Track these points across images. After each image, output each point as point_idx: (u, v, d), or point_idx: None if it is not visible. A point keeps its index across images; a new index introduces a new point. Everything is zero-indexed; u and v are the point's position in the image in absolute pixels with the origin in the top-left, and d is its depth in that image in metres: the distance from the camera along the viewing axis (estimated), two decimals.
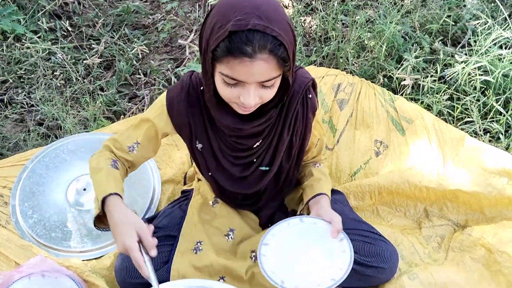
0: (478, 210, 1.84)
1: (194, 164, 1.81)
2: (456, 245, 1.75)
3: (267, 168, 1.56)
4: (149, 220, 1.74)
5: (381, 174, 1.95)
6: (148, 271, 1.26)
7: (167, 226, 1.66)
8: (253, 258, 1.61)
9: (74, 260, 1.67)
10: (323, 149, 1.71)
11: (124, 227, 1.29)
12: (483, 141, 2.08)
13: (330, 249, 1.41)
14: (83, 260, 1.73)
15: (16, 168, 2.00)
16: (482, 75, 2.24)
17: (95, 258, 1.80)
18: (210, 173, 1.59)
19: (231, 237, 1.66)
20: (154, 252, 1.28)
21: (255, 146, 1.50)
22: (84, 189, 1.94)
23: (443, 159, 1.91)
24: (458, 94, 2.26)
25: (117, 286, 1.63)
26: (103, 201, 1.35)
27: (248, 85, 1.24)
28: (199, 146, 1.53)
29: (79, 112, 2.44)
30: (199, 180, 1.80)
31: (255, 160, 1.54)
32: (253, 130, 1.45)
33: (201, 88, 1.45)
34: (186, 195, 1.82)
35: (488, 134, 2.16)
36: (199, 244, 1.61)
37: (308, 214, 1.55)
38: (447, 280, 1.59)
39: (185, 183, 2.01)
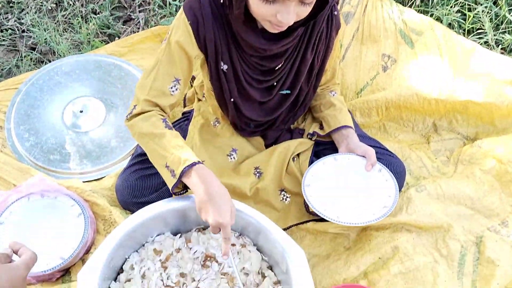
0: (489, 122, 1.77)
1: (196, 86, 1.73)
2: (465, 158, 1.70)
3: (288, 92, 1.49)
4: None
5: (388, 89, 1.87)
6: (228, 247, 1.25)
7: None
8: (257, 174, 1.57)
9: (74, 181, 1.63)
10: (337, 71, 1.65)
11: (225, 200, 1.22)
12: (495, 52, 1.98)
13: (372, 180, 1.43)
14: (83, 182, 1.69)
15: (10, 92, 1.94)
16: None
17: (95, 180, 1.77)
18: (232, 99, 1.50)
19: (233, 157, 1.61)
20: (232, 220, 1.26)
21: (277, 68, 1.42)
22: (81, 111, 1.88)
23: (453, 70, 1.82)
24: (469, 3, 2.13)
25: (119, 206, 1.60)
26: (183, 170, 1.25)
27: (289, 2, 1.14)
28: (225, 67, 1.41)
29: (72, 36, 2.34)
30: (199, 100, 1.73)
31: (275, 83, 1.46)
32: (278, 50, 1.36)
33: (221, 1, 1.32)
34: (187, 116, 1.75)
35: (500, 46, 2.05)
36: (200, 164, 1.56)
37: (320, 137, 1.58)
38: (456, 192, 1.55)
39: (184, 105, 1.94)
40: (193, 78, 1.87)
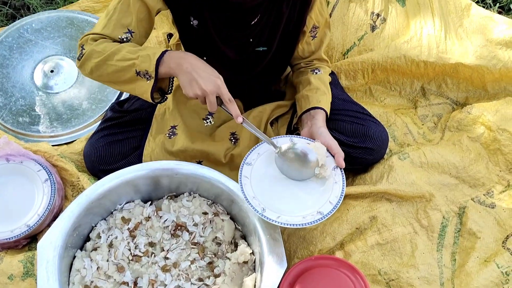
0: (480, 87, 1.69)
1: (171, 44, 1.64)
2: (453, 124, 1.62)
3: (265, 49, 1.40)
4: (120, 103, 1.61)
5: (376, 50, 1.77)
6: (237, 109, 1.22)
7: (139, 109, 1.53)
8: (232, 140, 1.49)
9: (42, 144, 1.57)
10: (324, 45, 1.49)
11: (208, 68, 1.20)
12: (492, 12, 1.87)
13: (321, 177, 1.28)
14: (53, 145, 1.62)
15: None
16: None
17: (66, 143, 1.70)
18: (205, 58, 1.41)
19: (209, 121, 1.54)
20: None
21: (252, 23, 1.33)
22: (52, 71, 1.79)
23: (445, 30, 1.72)
24: None
25: (87, 171, 1.54)
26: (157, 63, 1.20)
27: None
28: (195, 22, 1.33)
29: None
30: None
31: (251, 40, 1.37)
32: (253, 2, 1.27)
33: None
34: None
35: (498, 4, 1.93)
36: (173, 128, 1.49)
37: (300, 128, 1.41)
38: (440, 160, 1.48)
39: None
40: (170, 35, 1.77)
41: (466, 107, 1.62)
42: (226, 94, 1.20)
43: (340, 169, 1.27)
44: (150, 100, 1.25)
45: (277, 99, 1.57)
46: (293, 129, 1.49)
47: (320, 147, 1.28)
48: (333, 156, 1.28)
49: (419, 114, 1.72)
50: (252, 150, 1.31)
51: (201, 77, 1.18)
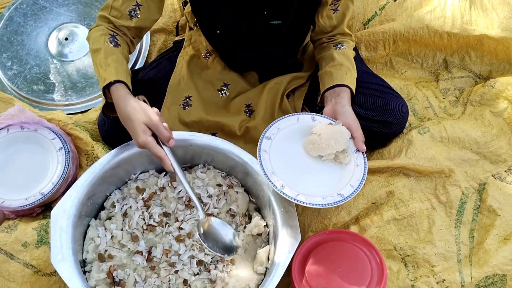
0: (504, 60, 1.63)
1: (186, 12, 1.60)
2: (476, 98, 1.57)
3: (280, 22, 1.35)
4: (135, 73, 1.58)
5: (398, 20, 1.71)
6: (170, 164, 1.17)
7: (153, 79, 1.51)
8: (248, 112, 1.47)
9: (57, 113, 1.56)
10: (347, 18, 1.42)
11: (133, 123, 1.16)
12: None
13: (341, 158, 1.25)
14: (67, 114, 1.62)
15: None
16: None
17: (80, 112, 1.69)
18: (218, 31, 1.39)
19: (224, 92, 1.51)
20: (172, 143, 1.18)
21: None
22: (66, 39, 1.78)
23: (470, 0, 1.65)
24: None
25: (102, 141, 1.53)
26: (107, 89, 1.20)
27: None
28: None
29: None
30: (191, 29, 1.60)
31: (265, 12, 1.32)
32: None
33: None
34: (177, 46, 1.63)
35: None
36: (188, 99, 1.47)
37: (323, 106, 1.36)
38: (461, 135, 1.44)
39: (177, 34, 1.81)
40: (185, 3, 1.73)
41: (490, 81, 1.56)
42: (154, 152, 1.16)
43: (362, 152, 1.24)
44: (104, 112, 1.30)
45: (294, 70, 1.53)
46: (318, 108, 1.44)
47: (342, 131, 1.25)
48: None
49: (440, 87, 1.67)
50: (272, 124, 1.28)
51: (130, 133, 1.19)
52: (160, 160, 1.17)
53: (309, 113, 1.30)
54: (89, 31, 1.32)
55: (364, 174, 1.20)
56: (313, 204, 1.15)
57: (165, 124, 1.19)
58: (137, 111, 1.16)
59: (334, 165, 1.24)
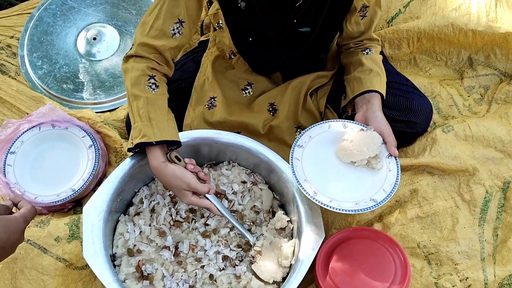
0: None
1: (210, 14, 1.62)
2: (501, 96, 1.56)
3: (308, 29, 1.36)
4: None
5: (422, 18, 1.70)
6: (217, 210, 1.26)
7: (179, 79, 1.54)
8: (271, 111, 1.49)
9: (86, 111, 1.60)
10: (374, 24, 1.42)
11: (174, 189, 1.24)
12: None
13: (374, 164, 1.25)
14: (96, 112, 1.66)
15: (23, 17, 1.89)
16: None
17: (108, 110, 1.73)
18: (250, 39, 1.41)
19: (248, 92, 1.53)
20: (212, 191, 1.25)
21: (297, 4, 1.29)
22: (94, 38, 1.82)
23: None
24: None
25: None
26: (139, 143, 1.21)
27: None
28: (243, 4, 1.30)
29: None
30: (215, 29, 1.62)
31: (295, 20, 1.33)
32: None
33: None
34: (202, 46, 1.66)
35: None
36: (213, 99, 1.50)
37: (352, 111, 1.38)
38: (486, 133, 1.43)
39: (202, 33, 1.83)
40: (211, 2, 1.75)
41: None
42: (201, 206, 1.25)
43: (395, 157, 1.25)
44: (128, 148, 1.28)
45: (317, 69, 1.54)
46: (341, 112, 1.45)
47: (374, 136, 1.25)
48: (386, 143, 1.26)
49: (465, 85, 1.66)
50: (303, 133, 1.30)
51: (175, 192, 1.25)
52: (207, 210, 1.26)
53: (341, 120, 1.32)
54: (126, 58, 1.28)
55: (397, 179, 1.20)
56: (346, 210, 1.17)
57: (201, 174, 1.26)
58: (175, 179, 1.21)
59: (366, 171, 1.25)
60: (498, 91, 1.57)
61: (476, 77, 1.66)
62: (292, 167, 1.24)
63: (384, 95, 1.35)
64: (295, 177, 1.22)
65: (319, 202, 1.18)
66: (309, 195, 1.19)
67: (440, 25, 1.63)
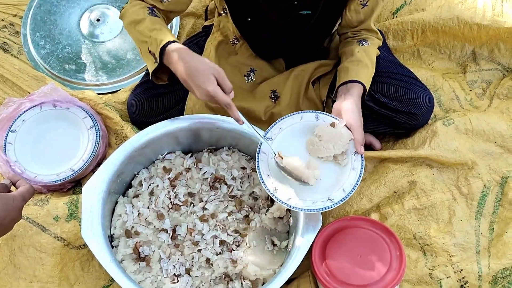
0: None
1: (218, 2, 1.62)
2: (503, 91, 1.56)
3: (309, 12, 1.36)
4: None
5: (427, 10, 1.70)
6: (236, 110, 1.19)
7: None
8: (273, 98, 1.49)
9: (88, 92, 1.60)
10: (374, 15, 1.40)
11: (201, 72, 1.17)
12: None
13: (340, 160, 1.24)
14: (98, 94, 1.66)
15: None
16: None
17: (110, 92, 1.73)
18: (249, 19, 1.40)
19: (251, 78, 1.53)
20: (232, 94, 1.20)
21: None
22: (98, 20, 1.81)
23: None
24: None
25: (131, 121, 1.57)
26: (161, 52, 1.21)
27: None
28: None
29: None
30: (219, 14, 1.62)
31: (296, 2, 1.33)
32: None
33: None
34: (206, 31, 1.66)
35: None
36: None
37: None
38: (486, 128, 1.44)
39: (206, 18, 1.83)
40: None
41: None
42: (222, 100, 1.17)
43: (361, 155, 1.23)
44: (152, 79, 1.29)
45: (320, 58, 1.54)
46: (332, 102, 1.42)
47: (343, 134, 1.23)
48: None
49: (467, 79, 1.66)
50: (274, 125, 1.28)
51: (195, 86, 1.18)
52: (227, 107, 1.18)
53: (313, 111, 1.29)
54: (123, 9, 1.33)
55: (358, 179, 1.19)
56: (301, 209, 1.18)
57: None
58: (204, 63, 1.18)
59: (333, 166, 1.24)
60: (501, 86, 1.57)
61: (479, 71, 1.66)
62: (258, 161, 1.24)
63: (367, 88, 1.34)
64: (259, 171, 1.22)
65: (277, 199, 1.19)
66: (269, 191, 1.20)
67: (445, 18, 1.62)
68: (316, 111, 1.29)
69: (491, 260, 1.26)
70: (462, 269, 1.26)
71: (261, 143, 1.26)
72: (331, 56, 1.56)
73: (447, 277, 1.26)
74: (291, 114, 1.29)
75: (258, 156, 1.25)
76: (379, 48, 1.49)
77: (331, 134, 1.24)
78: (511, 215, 1.32)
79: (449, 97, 1.61)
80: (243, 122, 1.21)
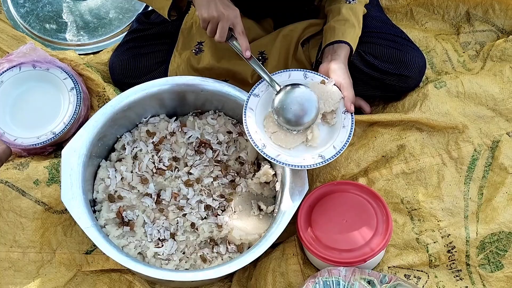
0: None
1: None
2: (496, 53, 1.52)
3: None
4: (146, 15, 1.55)
5: None
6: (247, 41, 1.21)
7: (165, 22, 1.47)
8: (260, 60, 1.44)
9: (69, 53, 1.55)
10: None
11: None
12: None
13: (329, 119, 1.22)
14: (79, 54, 1.60)
15: None
16: None
17: (92, 53, 1.68)
18: None
19: None
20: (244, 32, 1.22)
21: None
22: None
23: None
24: None
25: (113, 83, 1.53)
26: None
27: None
28: None
29: None
30: None
31: None
32: None
33: None
34: None
35: None
36: (200, 45, 1.45)
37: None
38: (478, 90, 1.40)
39: None
40: None
41: None
42: (240, 26, 1.17)
43: (351, 113, 1.21)
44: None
45: (310, 17, 1.49)
46: (317, 63, 1.39)
47: (333, 91, 1.21)
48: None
49: (461, 40, 1.61)
50: (261, 81, 1.25)
51: (220, 1, 1.16)
52: (240, 35, 1.21)
53: (302, 70, 1.27)
54: None
55: (349, 136, 1.18)
56: (291, 165, 1.16)
57: None
58: None
59: (322, 125, 1.23)
60: (494, 48, 1.53)
61: (472, 32, 1.62)
62: (245, 117, 1.21)
63: (354, 49, 1.31)
64: (246, 127, 1.20)
65: (266, 155, 1.17)
66: (257, 147, 1.18)
67: None
68: (305, 70, 1.26)
69: (479, 225, 1.25)
70: (449, 234, 1.25)
71: (248, 98, 1.23)
72: (321, 15, 1.50)
73: (434, 242, 1.25)
74: (279, 71, 1.26)
75: (245, 112, 1.22)
76: (371, 7, 1.44)
77: (321, 92, 1.22)
78: (501, 180, 1.30)
79: (441, 59, 1.57)
80: (250, 56, 1.21)
